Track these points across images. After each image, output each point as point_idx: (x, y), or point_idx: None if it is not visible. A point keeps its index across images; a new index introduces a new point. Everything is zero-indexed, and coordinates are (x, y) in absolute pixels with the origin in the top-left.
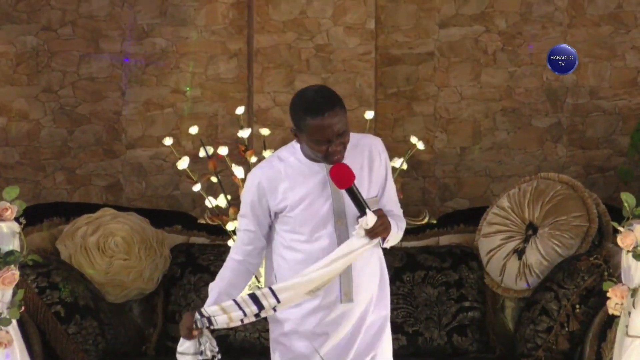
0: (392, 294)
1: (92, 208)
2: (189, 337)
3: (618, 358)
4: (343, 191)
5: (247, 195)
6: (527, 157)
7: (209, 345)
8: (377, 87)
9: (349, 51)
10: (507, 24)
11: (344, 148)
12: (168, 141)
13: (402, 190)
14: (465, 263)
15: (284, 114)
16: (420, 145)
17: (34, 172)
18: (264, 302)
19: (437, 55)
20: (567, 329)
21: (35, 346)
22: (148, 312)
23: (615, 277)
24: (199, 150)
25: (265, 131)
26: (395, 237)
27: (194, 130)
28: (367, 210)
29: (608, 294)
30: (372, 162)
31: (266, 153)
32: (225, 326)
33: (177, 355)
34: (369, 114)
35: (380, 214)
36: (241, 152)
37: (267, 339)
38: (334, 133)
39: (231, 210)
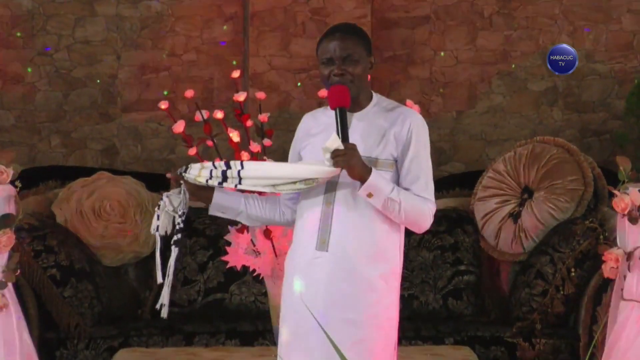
0: None
1: (87, 172)
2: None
3: (613, 321)
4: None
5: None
6: (523, 121)
7: (182, 205)
8: (373, 51)
9: (344, 14)
10: None
11: (351, 78)
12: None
13: None
14: (461, 227)
15: (280, 78)
16: (416, 109)
17: (30, 135)
18: (232, 167)
19: (433, 18)
20: (562, 292)
21: (30, 310)
22: (144, 276)
23: (611, 240)
24: (194, 114)
25: (260, 95)
26: (391, 205)
27: (189, 93)
28: (334, 134)
29: (603, 258)
30: (401, 131)
31: (262, 117)
32: (193, 177)
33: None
34: None
35: (350, 148)
36: (237, 116)
37: (263, 303)
38: (338, 55)
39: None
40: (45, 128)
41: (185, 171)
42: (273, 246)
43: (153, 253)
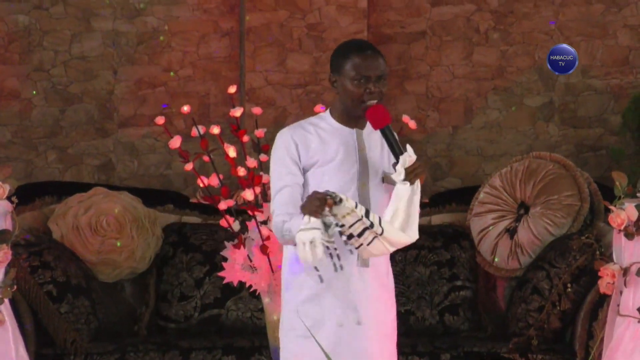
0: None
1: (84, 187)
2: (318, 211)
3: (609, 337)
4: (368, 156)
5: (276, 153)
6: (519, 136)
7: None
8: None
9: (341, 30)
10: (498, 2)
11: (381, 97)
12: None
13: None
14: (457, 242)
15: (276, 93)
16: (412, 124)
17: (26, 151)
18: (374, 224)
19: (429, 34)
20: (558, 308)
21: (27, 325)
22: (140, 292)
23: (607, 256)
24: (190, 130)
25: (257, 110)
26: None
27: (186, 109)
28: (404, 151)
29: (599, 273)
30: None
31: (258, 132)
32: (340, 215)
33: (302, 233)
34: None
35: (422, 161)
36: (233, 131)
37: (260, 318)
38: (375, 73)
39: (223, 190)
40: (42, 144)
41: (339, 202)
42: (269, 262)
43: (149, 269)
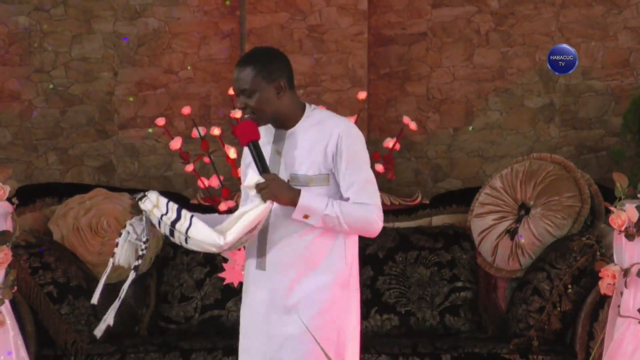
0: (385, 274)
1: (84, 188)
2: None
3: (610, 338)
4: (283, 159)
5: None
6: (520, 138)
7: (145, 232)
8: (369, 68)
9: (341, 31)
10: (499, 4)
11: (252, 110)
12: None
13: (394, 171)
14: (458, 243)
15: None
16: (413, 126)
17: (27, 152)
18: (182, 218)
19: (429, 35)
20: (559, 308)
21: (27, 327)
22: (141, 293)
23: (608, 257)
24: (191, 131)
25: None
26: (329, 220)
27: (186, 110)
28: (250, 171)
29: (600, 274)
30: (328, 143)
31: None
32: (147, 210)
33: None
34: (362, 95)
35: (270, 179)
36: (234, 133)
37: None
38: (237, 87)
39: (223, 191)
40: (42, 145)
41: (141, 199)
42: None
43: (150, 270)
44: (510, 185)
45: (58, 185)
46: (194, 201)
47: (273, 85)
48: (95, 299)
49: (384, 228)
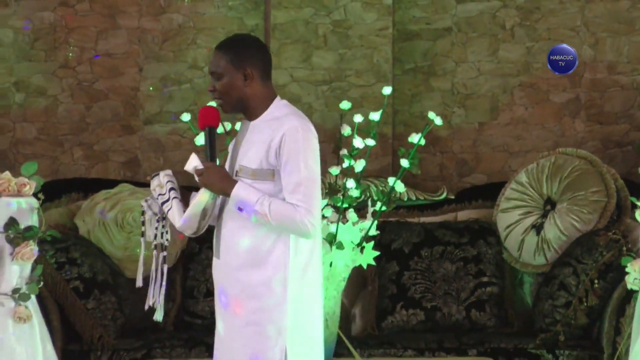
0: (411, 269)
1: (110, 184)
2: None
3: (636, 333)
4: (241, 148)
5: None
6: (545, 132)
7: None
8: (394, 63)
9: (366, 26)
10: None
11: (220, 95)
12: (186, 117)
13: (420, 166)
14: (484, 238)
15: (302, 90)
16: (438, 121)
17: (52, 147)
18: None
19: (454, 30)
20: (585, 304)
21: (54, 322)
22: (166, 288)
23: (634, 252)
24: None
25: None
26: (259, 216)
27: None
28: (192, 155)
29: (626, 269)
30: (273, 140)
31: None
32: (151, 188)
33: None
34: (387, 90)
35: (207, 167)
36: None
37: None
38: (209, 70)
39: None
40: (68, 140)
41: (153, 177)
42: None
43: (176, 265)
44: (536, 180)
45: (84, 180)
46: None
47: (241, 72)
48: (139, 282)
49: (409, 223)
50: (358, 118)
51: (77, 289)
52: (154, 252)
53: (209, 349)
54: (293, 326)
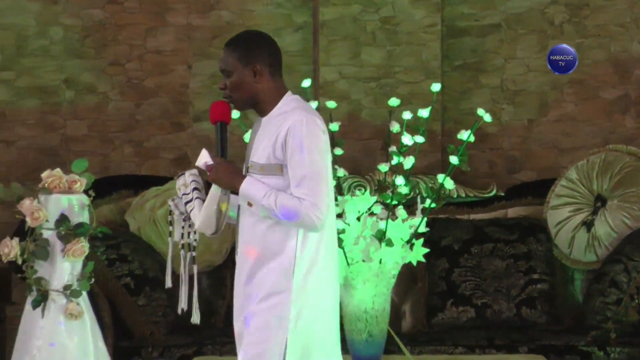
0: (461, 266)
1: (160, 180)
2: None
3: None
4: (254, 145)
5: None
6: (595, 129)
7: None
8: (443, 59)
9: (414, 23)
10: None
11: (230, 92)
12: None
13: (469, 162)
14: (534, 235)
15: (350, 87)
16: (487, 118)
17: (102, 144)
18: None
19: (503, 26)
20: (636, 301)
21: (105, 318)
22: (217, 285)
23: None
24: None
25: (331, 104)
26: (267, 211)
27: None
28: (202, 151)
29: None
30: (279, 134)
31: (333, 126)
32: (176, 187)
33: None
34: (436, 87)
35: (217, 162)
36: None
37: None
38: (219, 68)
39: None
40: (118, 137)
41: (179, 177)
42: (345, 254)
43: (226, 262)
44: (586, 177)
45: (134, 177)
46: None
47: (249, 68)
48: (168, 283)
49: (458, 219)
50: (407, 115)
51: (128, 285)
52: (181, 252)
53: None
54: (295, 319)
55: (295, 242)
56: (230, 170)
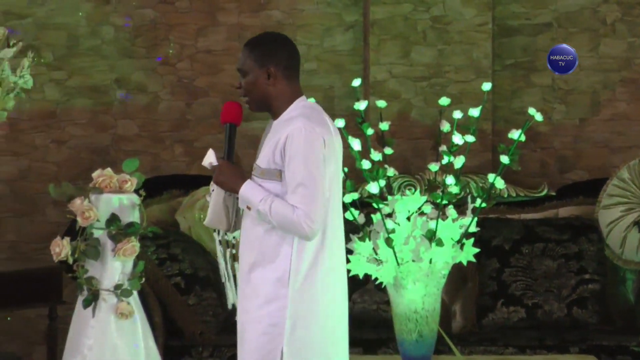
0: (511, 266)
1: (210, 180)
2: None
3: None
4: (262, 147)
5: None
6: None
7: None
8: (494, 59)
9: (465, 22)
10: None
11: (245, 92)
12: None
13: (520, 162)
14: (585, 235)
15: (400, 86)
16: (539, 117)
17: (153, 144)
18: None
19: (554, 25)
20: None
21: (156, 317)
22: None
23: None
24: None
25: (381, 103)
26: (262, 215)
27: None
28: (210, 151)
29: None
30: (279, 140)
31: (383, 125)
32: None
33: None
34: (486, 86)
35: (220, 165)
36: (358, 124)
37: (386, 311)
38: (237, 67)
39: (348, 183)
40: (168, 137)
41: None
42: (395, 254)
43: None
44: (638, 177)
45: (184, 177)
46: None
47: (264, 70)
48: (223, 278)
49: (509, 219)
50: (457, 114)
51: (179, 285)
52: (219, 248)
53: None
54: (291, 327)
55: (291, 249)
56: (231, 173)
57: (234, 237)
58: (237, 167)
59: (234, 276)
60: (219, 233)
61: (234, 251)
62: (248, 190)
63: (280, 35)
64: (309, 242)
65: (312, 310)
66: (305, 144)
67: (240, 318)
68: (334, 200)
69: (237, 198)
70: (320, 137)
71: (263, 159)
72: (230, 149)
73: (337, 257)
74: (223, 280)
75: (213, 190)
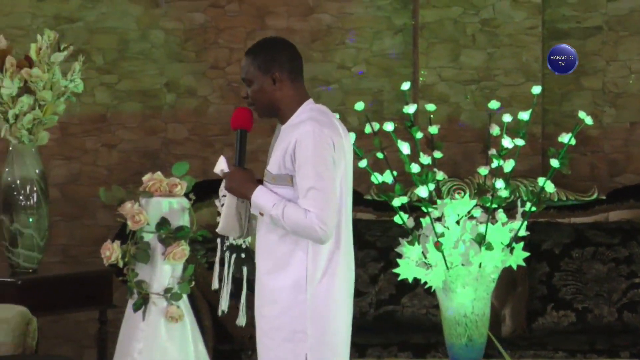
0: (561, 270)
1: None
2: None
3: None
4: (272, 152)
5: None
6: None
7: None
8: (544, 62)
9: (515, 25)
10: None
11: (252, 101)
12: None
13: (570, 166)
14: (636, 239)
15: (450, 90)
16: (589, 121)
17: (202, 148)
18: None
19: (605, 29)
20: None
21: (205, 321)
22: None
23: None
24: (364, 127)
25: (430, 106)
26: (275, 221)
27: (359, 106)
28: (222, 158)
29: None
30: (289, 145)
31: (432, 129)
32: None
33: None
34: (536, 89)
35: (231, 171)
36: (407, 128)
37: (435, 315)
38: (241, 77)
39: (397, 186)
40: (218, 141)
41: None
42: (444, 258)
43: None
44: None
45: None
46: (367, 196)
47: (269, 76)
48: (214, 284)
49: (559, 223)
50: (507, 118)
51: None
52: (226, 253)
53: (359, 349)
54: (313, 332)
55: (305, 255)
56: (243, 179)
57: (244, 242)
58: (249, 173)
59: (239, 281)
60: (228, 238)
61: (243, 255)
62: (260, 196)
63: (280, 39)
64: (322, 246)
65: (331, 314)
66: (314, 147)
67: (258, 324)
68: (343, 202)
69: (250, 204)
70: (329, 139)
71: (274, 165)
72: (242, 156)
73: (350, 255)
74: (216, 285)
75: (224, 196)
